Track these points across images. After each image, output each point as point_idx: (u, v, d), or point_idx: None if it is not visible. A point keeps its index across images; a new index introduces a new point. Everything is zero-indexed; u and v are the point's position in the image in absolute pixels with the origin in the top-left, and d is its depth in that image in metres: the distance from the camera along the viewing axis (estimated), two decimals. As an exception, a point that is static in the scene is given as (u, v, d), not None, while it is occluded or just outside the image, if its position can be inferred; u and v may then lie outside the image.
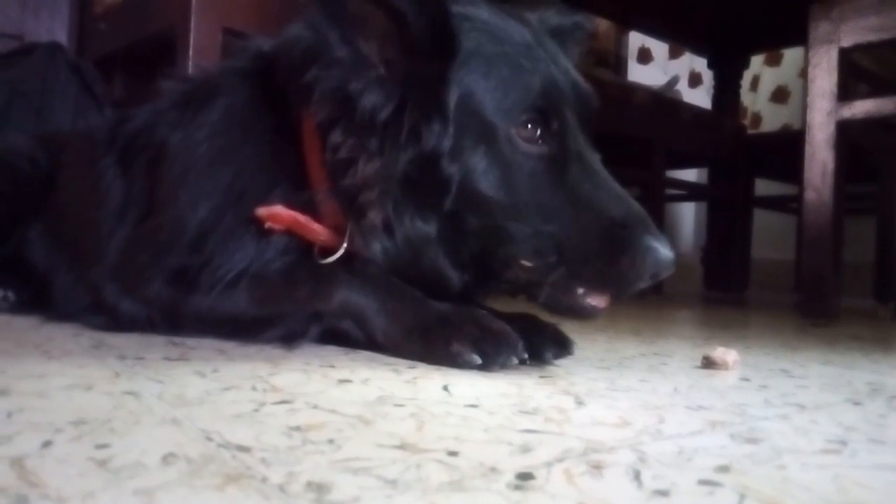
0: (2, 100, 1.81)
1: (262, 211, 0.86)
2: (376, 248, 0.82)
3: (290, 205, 0.86)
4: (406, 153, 0.79)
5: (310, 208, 0.87)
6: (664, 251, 0.74)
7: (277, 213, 0.86)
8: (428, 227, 0.82)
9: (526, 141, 0.80)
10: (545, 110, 0.80)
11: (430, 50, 0.79)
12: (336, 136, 0.82)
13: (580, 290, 0.78)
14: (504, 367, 0.74)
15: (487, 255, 0.83)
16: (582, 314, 0.80)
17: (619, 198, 0.79)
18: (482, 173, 0.80)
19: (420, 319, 0.80)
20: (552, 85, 0.81)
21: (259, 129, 0.92)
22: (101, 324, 0.93)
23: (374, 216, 0.81)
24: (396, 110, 0.79)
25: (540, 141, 0.80)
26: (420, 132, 0.79)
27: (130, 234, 1.00)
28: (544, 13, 0.98)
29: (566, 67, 0.86)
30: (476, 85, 0.80)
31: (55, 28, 2.17)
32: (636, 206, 0.79)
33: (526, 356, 0.75)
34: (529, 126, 0.80)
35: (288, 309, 0.85)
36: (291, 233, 0.88)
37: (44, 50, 1.96)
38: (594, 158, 0.83)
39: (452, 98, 0.80)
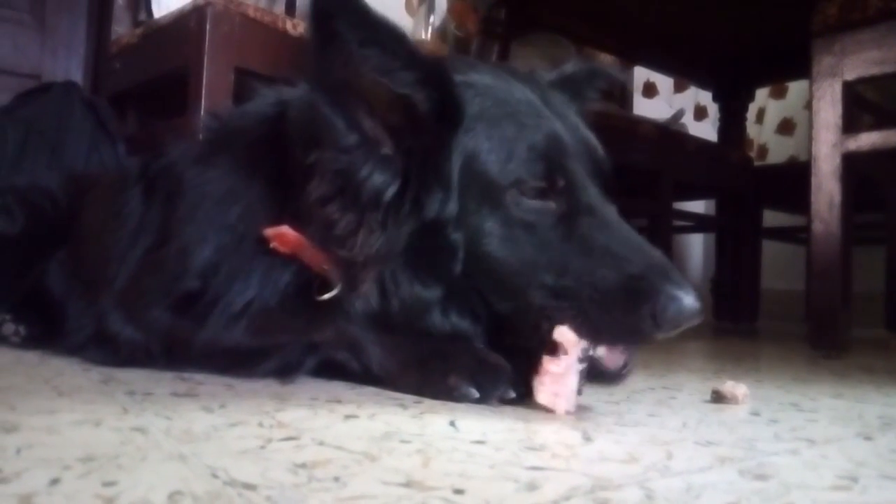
0: (19, 137, 1.85)
1: (269, 231, 0.87)
2: (361, 307, 0.82)
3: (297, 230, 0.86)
4: (408, 226, 0.79)
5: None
6: (689, 300, 0.70)
7: (285, 233, 0.87)
8: (428, 293, 0.81)
9: (531, 199, 0.79)
10: (549, 167, 0.79)
11: (435, 120, 0.79)
12: (333, 212, 0.80)
13: (601, 350, 0.75)
14: (502, 399, 0.74)
15: (507, 314, 0.81)
16: (606, 378, 0.77)
17: (636, 248, 0.76)
18: (488, 235, 0.79)
19: (417, 352, 0.80)
20: (555, 141, 0.80)
21: (269, 171, 0.92)
22: (103, 357, 0.93)
23: (368, 288, 0.80)
24: (401, 186, 0.79)
25: (547, 198, 0.79)
26: (422, 203, 0.79)
27: (140, 260, 1.01)
28: (562, 66, 0.99)
29: (574, 123, 0.86)
30: (479, 149, 0.79)
31: (71, 67, 2.22)
32: (657, 256, 0.75)
33: (524, 389, 0.75)
34: (534, 183, 0.79)
35: (283, 340, 0.85)
36: (296, 257, 0.88)
37: (60, 88, 2.00)
38: (608, 210, 0.80)
39: (455, 165, 0.80)
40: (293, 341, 0.85)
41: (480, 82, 0.83)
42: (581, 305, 0.74)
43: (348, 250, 0.79)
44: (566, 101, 0.91)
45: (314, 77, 0.78)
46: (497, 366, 0.76)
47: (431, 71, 0.78)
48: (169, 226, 1.00)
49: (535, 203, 0.79)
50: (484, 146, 0.79)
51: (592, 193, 0.80)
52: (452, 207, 0.79)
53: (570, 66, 1.01)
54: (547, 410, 0.72)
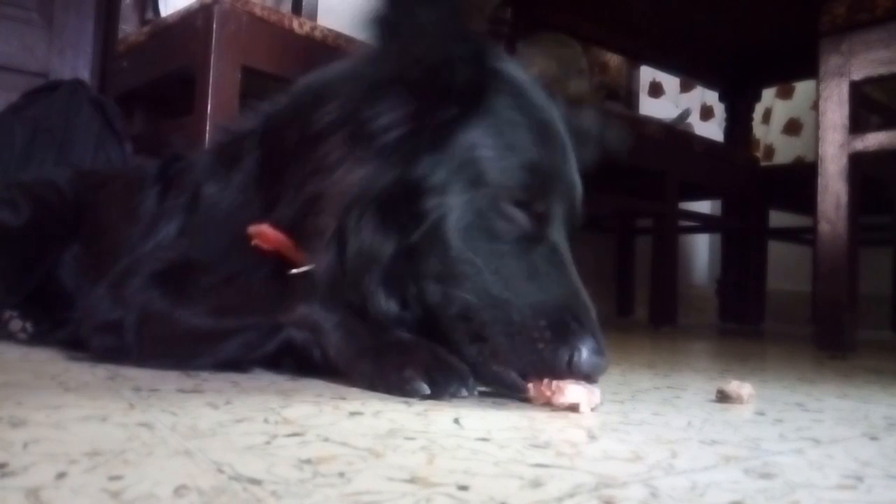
0: (26, 135, 1.86)
1: (252, 228, 0.89)
2: (322, 257, 0.82)
3: (280, 228, 0.88)
4: (393, 173, 0.79)
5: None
6: (602, 358, 0.75)
7: (265, 231, 0.89)
8: (383, 246, 0.80)
9: (509, 206, 0.80)
10: (537, 190, 0.81)
11: (458, 94, 0.80)
12: (330, 143, 0.83)
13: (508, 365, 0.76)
14: (454, 397, 0.75)
15: (433, 302, 0.81)
16: (505, 383, 0.77)
17: (573, 294, 0.79)
18: (457, 219, 0.79)
19: (376, 341, 0.80)
20: (553, 172, 0.82)
21: (264, 185, 0.95)
22: (67, 336, 0.96)
23: (327, 222, 0.81)
24: (406, 134, 0.80)
25: (522, 214, 0.80)
26: (415, 158, 0.79)
27: (142, 253, 1.03)
28: (584, 109, 1.00)
29: (573, 165, 0.87)
30: (486, 138, 0.80)
31: (79, 66, 2.23)
32: (589, 307, 0.79)
33: (476, 391, 0.77)
34: (519, 196, 0.80)
35: (248, 321, 0.86)
36: (276, 254, 0.89)
37: (67, 87, 2.01)
38: (566, 253, 0.83)
39: (459, 141, 0.80)
40: (257, 322, 0.85)
41: (513, 78, 0.84)
42: (504, 323, 0.76)
43: (329, 183, 0.81)
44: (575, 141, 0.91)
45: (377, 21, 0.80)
46: (452, 364, 0.77)
47: (478, 51, 0.81)
48: (183, 232, 1.03)
49: (509, 213, 0.80)
50: (490, 140, 0.80)
51: (560, 234, 0.83)
52: (439, 177, 0.79)
53: (586, 119, 1.00)
54: (572, 410, 0.72)
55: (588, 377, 0.74)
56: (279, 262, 0.90)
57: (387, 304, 0.82)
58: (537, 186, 0.81)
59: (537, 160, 0.81)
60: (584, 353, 0.73)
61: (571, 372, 0.73)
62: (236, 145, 1.03)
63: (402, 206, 0.80)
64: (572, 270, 0.81)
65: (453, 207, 0.80)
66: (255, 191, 0.97)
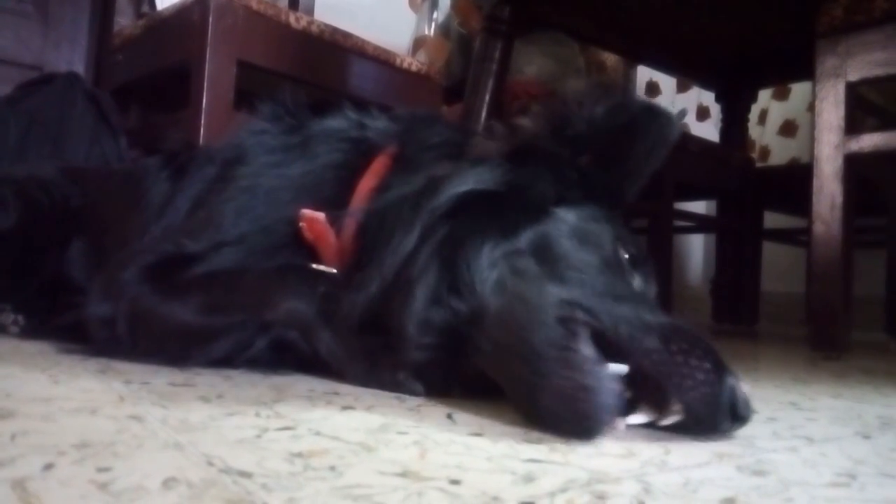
0: (21, 128, 1.85)
1: (306, 211, 0.88)
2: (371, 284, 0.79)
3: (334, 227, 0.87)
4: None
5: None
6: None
7: (316, 219, 0.88)
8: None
9: (624, 249, 0.77)
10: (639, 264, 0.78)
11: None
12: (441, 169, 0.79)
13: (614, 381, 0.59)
14: (443, 394, 0.74)
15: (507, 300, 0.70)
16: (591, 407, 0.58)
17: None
18: (573, 226, 0.75)
19: (366, 342, 0.80)
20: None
21: (330, 182, 0.94)
22: (68, 322, 0.94)
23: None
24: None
25: (629, 263, 0.77)
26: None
27: (145, 241, 1.00)
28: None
29: None
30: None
31: (74, 59, 2.21)
32: None
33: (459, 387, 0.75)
34: (630, 249, 0.77)
35: (236, 318, 0.84)
36: (312, 249, 0.89)
37: (62, 80, 2.00)
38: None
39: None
40: (246, 320, 0.84)
41: None
42: (649, 330, 0.61)
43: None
44: None
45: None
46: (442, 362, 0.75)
47: None
48: (206, 198, 0.99)
49: (624, 257, 0.77)
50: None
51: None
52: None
53: None
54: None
55: (742, 419, 0.61)
56: (297, 254, 0.89)
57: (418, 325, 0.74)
58: (639, 262, 0.79)
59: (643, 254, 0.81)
60: (742, 392, 0.60)
61: (730, 411, 0.59)
62: (306, 140, 0.99)
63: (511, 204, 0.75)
64: None
65: (566, 219, 0.75)
66: (316, 183, 0.94)
